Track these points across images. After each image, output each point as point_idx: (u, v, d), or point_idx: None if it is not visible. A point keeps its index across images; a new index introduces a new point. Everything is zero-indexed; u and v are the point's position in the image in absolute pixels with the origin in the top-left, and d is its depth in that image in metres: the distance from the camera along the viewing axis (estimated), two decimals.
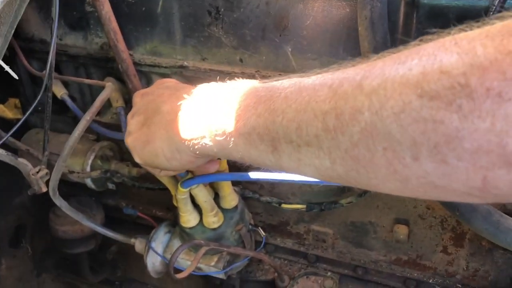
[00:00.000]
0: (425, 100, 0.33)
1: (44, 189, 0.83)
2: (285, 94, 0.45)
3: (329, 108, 0.39)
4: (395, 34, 0.74)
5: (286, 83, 0.47)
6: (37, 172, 0.82)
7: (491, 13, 0.65)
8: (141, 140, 0.62)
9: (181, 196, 0.79)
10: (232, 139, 0.50)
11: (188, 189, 0.77)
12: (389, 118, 0.35)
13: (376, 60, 0.39)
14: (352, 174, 0.41)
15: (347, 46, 0.78)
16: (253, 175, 0.72)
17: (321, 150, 0.41)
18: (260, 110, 0.47)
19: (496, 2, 0.64)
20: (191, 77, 0.91)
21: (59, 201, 0.86)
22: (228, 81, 0.56)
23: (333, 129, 0.39)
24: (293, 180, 0.69)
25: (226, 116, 0.50)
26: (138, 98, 0.68)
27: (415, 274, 0.97)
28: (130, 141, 0.65)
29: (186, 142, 0.56)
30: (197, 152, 0.56)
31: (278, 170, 0.51)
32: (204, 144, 0.54)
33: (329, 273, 1.03)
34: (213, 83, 0.58)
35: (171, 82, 0.70)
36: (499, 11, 0.64)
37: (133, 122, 0.65)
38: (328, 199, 0.93)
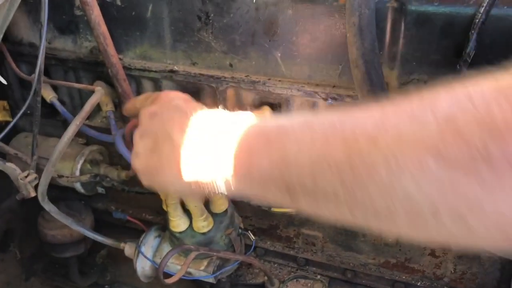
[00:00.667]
0: (443, 164, 0.33)
1: (33, 194, 0.82)
2: (300, 143, 0.44)
3: (344, 161, 0.39)
4: (383, 40, 0.75)
5: (296, 125, 0.46)
6: (26, 177, 0.81)
7: (477, 20, 0.66)
8: (150, 168, 0.61)
9: (171, 201, 0.79)
10: (246, 184, 0.50)
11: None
12: (407, 178, 0.35)
13: (388, 110, 0.38)
14: (373, 223, 0.40)
15: (335, 52, 0.78)
16: None
17: (339, 202, 0.41)
18: (272, 156, 0.46)
19: (482, 10, 0.65)
20: (181, 81, 0.91)
21: (48, 205, 0.85)
22: (234, 113, 0.56)
23: (350, 184, 0.39)
24: None
25: (238, 160, 0.50)
26: (146, 118, 0.65)
27: (404, 277, 0.98)
28: (138, 164, 0.63)
29: (199, 183, 0.55)
30: (210, 191, 0.56)
31: (295, 209, 0.50)
32: (217, 187, 0.54)
33: (318, 276, 1.03)
34: (221, 112, 0.58)
35: (179, 99, 0.67)
36: (485, 19, 0.65)
37: (141, 145, 0.63)
38: None
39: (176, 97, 0.67)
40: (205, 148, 0.55)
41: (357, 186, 0.38)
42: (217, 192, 0.54)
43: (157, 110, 0.65)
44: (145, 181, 0.64)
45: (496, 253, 0.36)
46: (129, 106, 0.77)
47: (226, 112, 0.60)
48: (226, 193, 0.54)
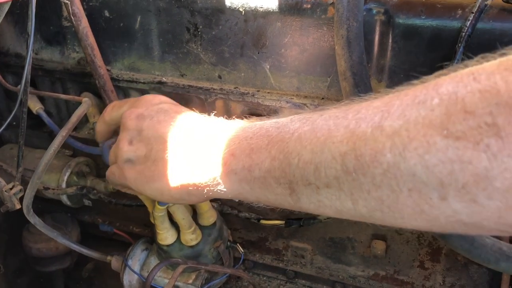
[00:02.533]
0: (451, 140, 0.32)
1: (18, 206, 0.81)
2: (298, 135, 0.43)
3: (347, 149, 0.38)
4: (371, 52, 0.75)
5: (296, 122, 0.45)
6: (11, 189, 0.80)
7: (463, 33, 0.67)
8: (145, 175, 0.58)
9: (158, 213, 0.78)
10: (248, 183, 0.48)
11: (165, 206, 0.77)
12: (413, 160, 0.34)
13: (391, 98, 0.38)
14: (376, 214, 0.40)
15: (324, 64, 0.79)
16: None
17: (342, 192, 0.40)
18: (274, 153, 0.45)
19: (468, 24, 0.66)
20: (170, 93, 0.90)
21: (33, 218, 0.84)
22: (231, 120, 0.55)
23: (353, 171, 0.38)
24: None
25: (238, 160, 0.48)
26: (133, 122, 0.61)
27: None
28: (131, 172, 0.60)
29: (198, 187, 0.53)
30: (210, 194, 0.54)
31: (298, 210, 0.49)
32: (218, 190, 0.52)
33: None
34: (217, 120, 0.57)
35: (164, 101, 0.65)
36: (471, 33, 0.66)
37: (132, 150, 0.60)
38: (306, 215, 0.93)
39: (161, 101, 0.65)
40: (203, 150, 0.53)
41: (362, 173, 0.37)
42: (216, 192, 0.52)
43: (143, 112, 0.62)
44: (137, 188, 0.60)
45: (500, 232, 0.35)
46: (98, 128, 0.73)
47: (214, 117, 0.59)
48: (225, 193, 0.51)
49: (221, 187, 0.51)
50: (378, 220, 0.40)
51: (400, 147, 0.35)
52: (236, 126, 0.52)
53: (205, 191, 0.53)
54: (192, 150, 0.55)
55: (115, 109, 0.69)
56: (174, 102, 0.66)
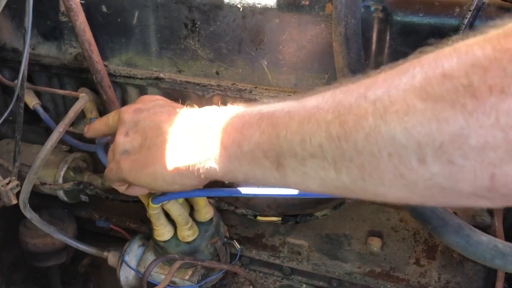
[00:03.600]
0: (429, 103, 0.33)
1: (14, 201, 0.81)
2: (288, 109, 0.45)
3: (332, 117, 0.40)
4: (369, 50, 0.75)
5: (288, 101, 0.47)
6: (7, 184, 0.80)
7: (461, 31, 0.67)
8: (139, 163, 0.59)
9: (152, 211, 0.78)
10: (237, 159, 0.49)
11: (159, 205, 0.77)
12: (394, 122, 0.35)
13: (378, 74, 0.40)
14: (358, 183, 0.41)
15: (322, 61, 0.79)
16: (226, 191, 0.73)
17: (326, 161, 0.41)
18: (263, 127, 0.46)
19: (466, 21, 0.66)
20: (167, 89, 0.90)
21: (29, 214, 0.84)
22: (229, 105, 0.56)
23: (337, 138, 0.39)
24: (262, 194, 0.69)
25: (229, 136, 0.50)
26: (130, 114, 0.63)
27: (389, 286, 0.98)
28: (126, 163, 0.61)
29: (190, 167, 0.54)
30: (202, 176, 0.54)
31: (283, 187, 0.50)
32: (209, 168, 0.52)
33: (304, 286, 1.03)
34: (214, 107, 0.58)
35: (161, 99, 0.67)
36: (469, 30, 0.66)
37: (128, 141, 0.61)
38: (303, 212, 0.93)
39: (158, 98, 0.68)
40: (195, 130, 0.55)
41: (344, 140, 0.39)
42: (208, 171, 0.53)
43: (141, 106, 0.64)
44: (131, 177, 0.61)
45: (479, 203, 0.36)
46: (97, 125, 0.75)
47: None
48: (218, 175, 0.52)
49: (212, 164, 0.52)
50: (360, 189, 0.41)
51: (381, 110, 0.36)
52: (230, 109, 0.54)
53: (197, 171, 0.54)
54: (185, 132, 0.56)
55: (114, 115, 0.70)
56: (169, 100, 0.68)
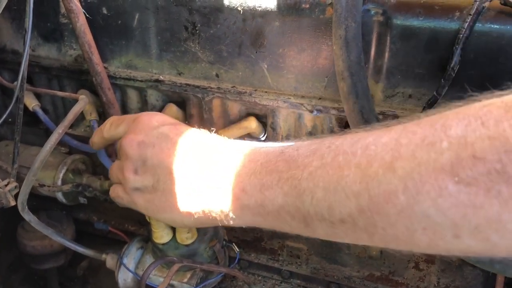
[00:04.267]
0: (462, 186, 0.33)
1: (13, 203, 0.80)
2: (309, 172, 0.44)
3: (360, 189, 0.39)
4: (368, 53, 0.75)
5: (304, 155, 0.45)
6: (6, 185, 0.80)
7: (461, 35, 0.67)
8: (156, 205, 0.59)
9: None
10: (261, 216, 0.49)
11: None
12: (427, 203, 0.35)
13: (398, 134, 0.38)
14: (392, 245, 0.41)
15: (321, 64, 0.79)
16: None
17: (357, 227, 0.41)
18: (286, 189, 0.46)
19: (466, 25, 0.66)
20: (167, 92, 0.90)
21: (28, 215, 0.84)
22: (232, 141, 0.55)
23: (368, 210, 0.39)
24: None
25: (250, 196, 0.49)
26: (135, 150, 0.60)
27: None
28: (141, 200, 0.61)
29: (211, 216, 0.55)
30: (223, 223, 0.55)
31: (315, 237, 0.50)
32: (230, 221, 0.53)
33: None
34: (216, 141, 0.57)
35: (162, 124, 0.62)
36: (468, 34, 0.66)
37: (139, 180, 0.60)
38: None
39: (159, 123, 0.62)
40: (212, 184, 0.54)
41: (376, 213, 0.39)
42: (229, 223, 0.53)
43: (144, 138, 0.60)
44: (149, 214, 0.62)
45: None
46: (95, 140, 0.74)
47: (214, 135, 0.59)
48: (238, 223, 0.53)
49: (234, 219, 0.52)
50: (394, 249, 0.42)
51: (413, 190, 0.36)
52: (242, 157, 0.52)
53: (219, 220, 0.54)
54: (200, 184, 0.55)
55: (112, 128, 0.69)
56: (171, 120, 0.65)
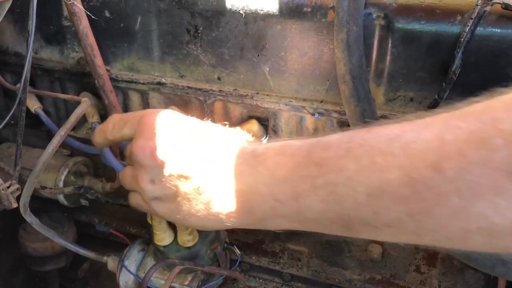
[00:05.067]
0: None
1: (15, 205, 0.81)
2: (347, 176, 0.41)
3: (409, 193, 0.37)
4: (370, 57, 0.75)
5: (337, 157, 0.42)
6: (8, 187, 0.80)
7: (462, 39, 0.67)
8: (180, 213, 0.55)
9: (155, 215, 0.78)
10: (299, 223, 0.47)
11: None
12: (483, 203, 0.34)
13: (439, 129, 0.36)
14: (444, 244, 0.39)
15: (323, 67, 0.79)
16: None
17: (405, 230, 0.39)
18: (323, 196, 0.43)
19: (467, 29, 0.67)
20: (169, 94, 0.91)
21: (30, 217, 0.84)
22: (252, 143, 0.52)
23: (418, 213, 0.37)
24: None
25: (285, 205, 0.46)
26: (149, 159, 0.55)
27: None
28: (163, 208, 0.57)
29: (242, 224, 0.52)
30: (255, 228, 0.53)
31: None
32: (267, 227, 0.51)
33: None
34: (234, 138, 0.54)
35: (168, 122, 0.58)
36: (470, 38, 0.67)
37: (158, 189, 0.56)
38: None
39: (164, 120, 0.58)
40: (240, 193, 0.50)
41: (427, 216, 0.37)
42: (266, 228, 0.51)
43: (156, 144, 0.56)
44: (171, 220, 0.60)
45: None
46: (98, 138, 0.70)
47: (229, 132, 0.56)
48: (277, 229, 0.51)
49: (269, 226, 0.50)
50: (446, 248, 0.41)
51: (466, 192, 0.34)
52: (270, 163, 0.48)
53: (251, 226, 0.52)
54: (226, 192, 0.51)
55: (116, 130, 0.65)
56: (176, 116, 0.61)
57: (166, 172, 0.54)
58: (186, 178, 0.53)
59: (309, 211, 0.45)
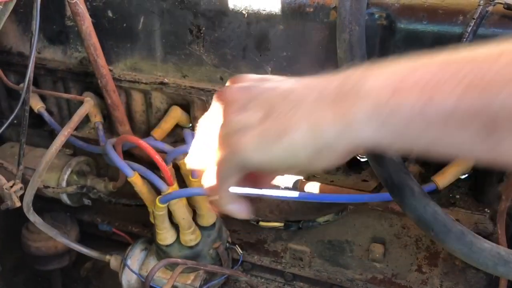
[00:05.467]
0: None
1: (18, 204, 0.81)
2: (496, 69, 0.33)
3: None
4: (372, 57, 0.76)
5: (488, 46, 0.35)
6: (11, 187, 0.80)
7: (464, 39, 0.67)
8: (271, 133, 0.45)
9: (159, 212, 0.79)
10: (421, 121, 0.37)
11: (166, 204, 0.77)
12: None
13: None
14: None
15: (326, 67, 0.79)
16: (234, 189, 0.72)
17: None
18: (459, 90, 0.35)
19: (469, 29, 0.67)
20: (171, 94, 0.91)
21: (33, 217, 0.84)
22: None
23: None
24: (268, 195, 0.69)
25: (403, 98, 0.37)
26: (240, 93, 0.49)
27: None
28: (248, 138, 0.46)
29: (344, 132, 0.41)
30: (358, 143, 0.41)
31: (491, 157, 0.37)
32: (371, 133, 0.39)
33: None
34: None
35: (268, 76, 0.52)
36: (472, 39, 0.67)
37: (245, 117, 0.47)
38: (305, 218, 0.93)
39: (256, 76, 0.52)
40: (348, 87, 0.41)
41: None
42: (368, 144, 0.40)
43: (247, 85, 0.51)
44: (258, 156, 0.46)
45: None
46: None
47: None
48: (384, 142, 0.40)
49: (375, 126, 0.39)
50: None
51: None
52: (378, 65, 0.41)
53: (353, 136, 0.41)
54: (331, 95, 0.42)
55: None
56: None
57: (260, 98, 0.48)
58: (284, 98, 0.46)
59: (435, 110, 0.36)
